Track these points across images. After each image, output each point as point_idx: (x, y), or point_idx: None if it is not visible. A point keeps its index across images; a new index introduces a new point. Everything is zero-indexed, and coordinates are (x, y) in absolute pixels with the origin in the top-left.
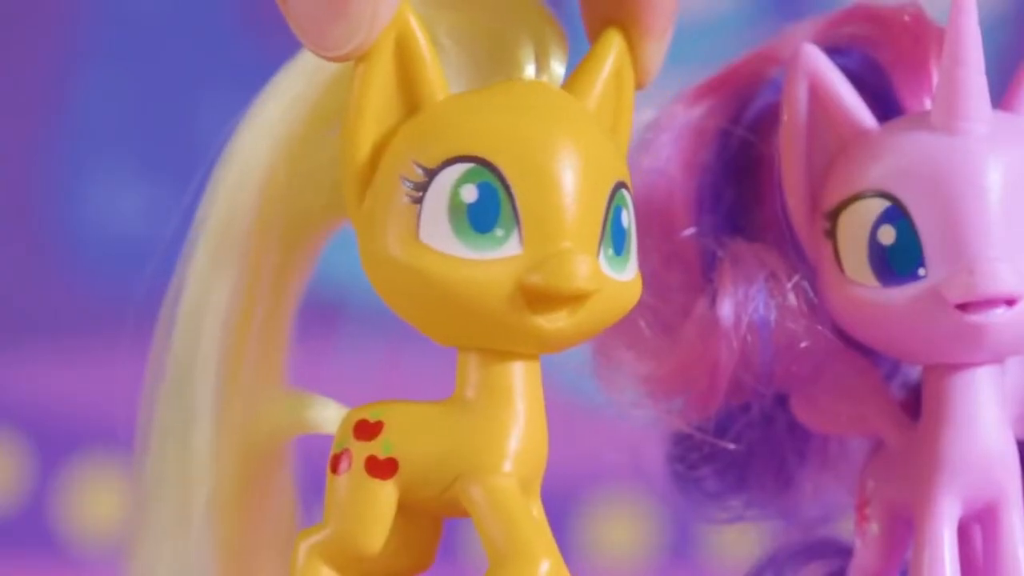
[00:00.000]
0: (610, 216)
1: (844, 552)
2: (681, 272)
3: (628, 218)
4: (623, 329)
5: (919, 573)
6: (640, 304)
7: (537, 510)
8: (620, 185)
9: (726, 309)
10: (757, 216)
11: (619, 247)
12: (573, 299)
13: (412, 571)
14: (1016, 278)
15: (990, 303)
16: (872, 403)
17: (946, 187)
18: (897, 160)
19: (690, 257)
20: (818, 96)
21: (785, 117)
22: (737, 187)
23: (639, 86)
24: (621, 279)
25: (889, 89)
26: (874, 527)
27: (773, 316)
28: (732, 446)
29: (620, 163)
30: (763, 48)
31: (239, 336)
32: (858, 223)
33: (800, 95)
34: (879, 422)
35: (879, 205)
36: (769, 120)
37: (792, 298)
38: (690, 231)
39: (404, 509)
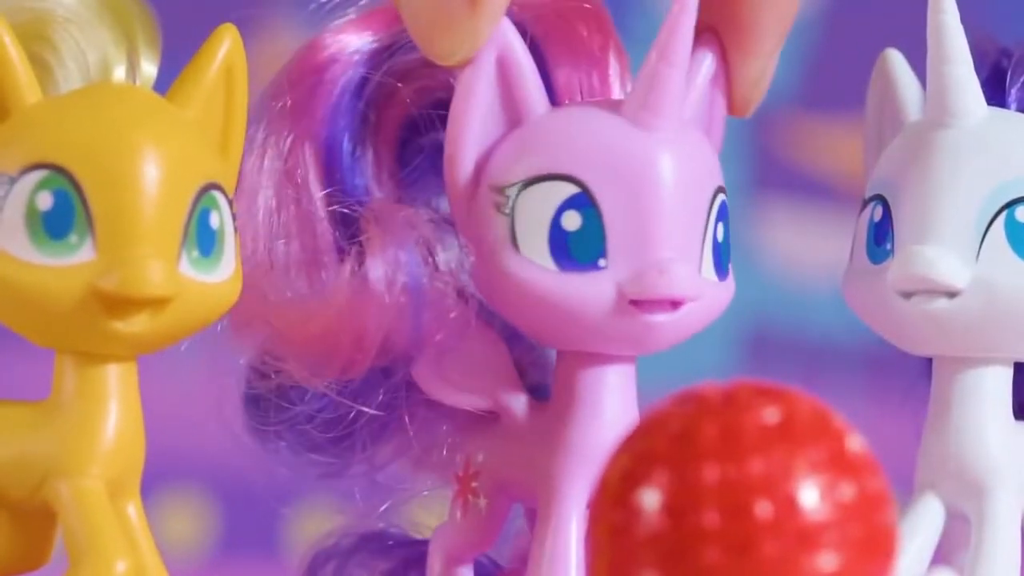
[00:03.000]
0: (195, 218)
1: (405, 545)
2: (315, 236)
3: (219, 219)
4: (261, 297)
5: (543, 556)
6: (278, 270)
7: (135, 508)
8: (210, 187)
9: (377, 271)
10: (399, 177)
11: (207, 249)
12: (149, 303)
13: (20, 569)
14: (693, 282)
15: (662, 303)
16: (500, 379)
17: (635, 181)
18: (587, 146)
19: (324, 220)
20: (504, 69)
21: (465, 85)
22: (376, 147)
23: (732, 111)
24: (210, 280)
25: (546, 68)
26: (482, 501)
27: (425, 281)
28: (374, 412)
29: (214, 164)
30: None
31: None
32: (542, 203)
33: (487, 65)
34: (504, 398)
35: (567, 189)
36: (416, 72)
37: (443, 265)
38: (322, 193)
39: (6, 509)
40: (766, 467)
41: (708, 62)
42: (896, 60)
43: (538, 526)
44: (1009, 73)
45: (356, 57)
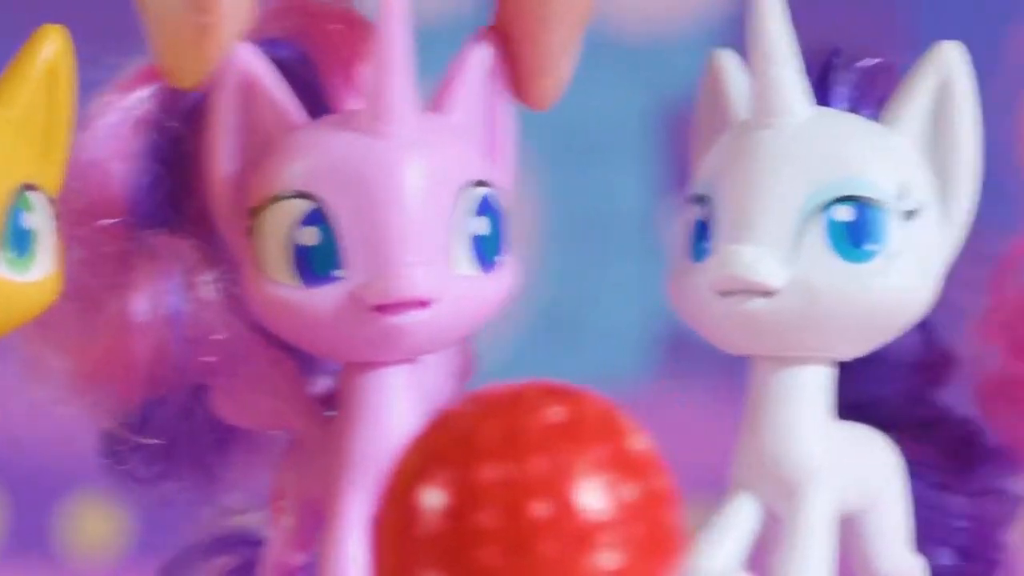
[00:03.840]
0: (9, 219)
1: (254, 543)
2: (101, 267)
3: (35, 219)
4: (44, 324)
5: (326, 568)
6: (62, 299)
7: None
8: (26, 187)
9: (141, 304)
10: (188, 210)
11: (21, 249)
12: None
13: None
14: (431, 281)
15: (406, 305)
16: (287, 397)
17: (367, 190)
18: (320, 160)
19: (110, 252)
20: (248, 92)
21: (213, 112)
22: (169, 180)
23: (529, 104)
24: (23, 280)
25: (319, 84)
26: (288, 520)
27: (187, 309)
28: (153, 441)
29: (32, 165)
30: None
31: None
32: (280, 222)
33: (229, 90)
34: (294, 416)
35: (302, 206)
36: (201, 111)
37: (208, 292)
38: (105, 223)
39: None
40: (546, 467)
41: (482, 57)
42: (726, 59)
43: (322, 540)
44: (836, 73)
45: (143, 103)
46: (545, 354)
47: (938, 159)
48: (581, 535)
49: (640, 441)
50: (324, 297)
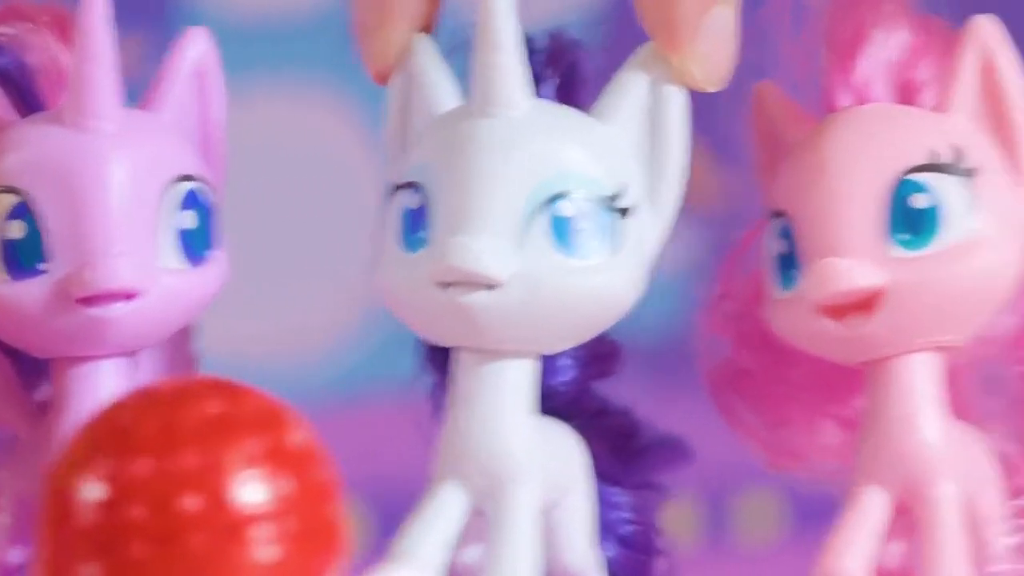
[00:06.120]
0: None
1: None
2: None
3: None
4: None
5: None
6: None
7: None
8: None
9: None
10: None
11: None
12: None
13: None
14: (134, 273)
15: (110, 297)
16: (1, 394)
17: (70, 183)
18: (26, 155)
19: None
20: None
21: None
22: None
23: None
24: None
25: (35, 87)
26: (4, 518)
27: None
28: None
29: None
30: None
31: None
32: None
33: None
34: (8, 414)
35: (8, 200)
36: None
37: None
38: None
39: None
40: (199, 460)
41: (192, 56)
42: (425, 45)
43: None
44: (546, 63)
45: None
46: None
47: (649, 154)
48: (232, 528)
49: (300, 435)
50: (30, 290)
